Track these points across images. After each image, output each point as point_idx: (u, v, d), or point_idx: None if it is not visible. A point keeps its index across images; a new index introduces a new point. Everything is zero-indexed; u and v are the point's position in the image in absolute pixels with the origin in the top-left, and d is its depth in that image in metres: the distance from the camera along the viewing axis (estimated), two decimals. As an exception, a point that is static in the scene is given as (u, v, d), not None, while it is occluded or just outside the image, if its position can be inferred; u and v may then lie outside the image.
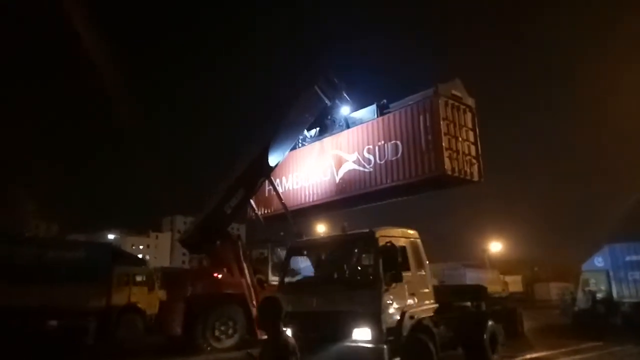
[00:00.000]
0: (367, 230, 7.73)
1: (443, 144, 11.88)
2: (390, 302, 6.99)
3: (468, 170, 12.34)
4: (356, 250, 8.05)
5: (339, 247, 8.44)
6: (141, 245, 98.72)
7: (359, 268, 8.05)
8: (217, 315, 11.72)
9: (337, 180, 14.55)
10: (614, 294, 19.87)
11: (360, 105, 14.84)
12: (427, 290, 8.07)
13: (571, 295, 23.61)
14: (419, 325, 7.37)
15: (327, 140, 15.14)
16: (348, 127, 14.66)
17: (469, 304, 9.97)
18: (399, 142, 12.99)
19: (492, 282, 35.88)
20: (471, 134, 12.58)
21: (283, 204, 13.42)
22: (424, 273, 8.14)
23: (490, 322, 9.60)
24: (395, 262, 7.05)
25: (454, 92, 12.50)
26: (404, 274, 7.29)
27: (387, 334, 6.73)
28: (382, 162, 13.39)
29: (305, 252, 8.92)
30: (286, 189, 15.13)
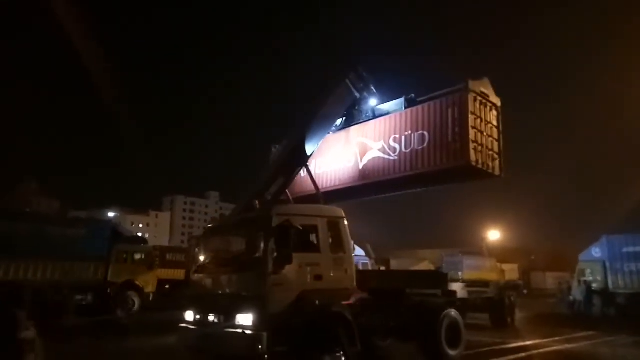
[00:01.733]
0: (265, 208, 7.32)
1: (470, 137, 12.35)
2: (280, 285, 6.45)
3: (490, 164, 12.89)
4: (254, 230, 7.40)
5: (242, 227, 8.04)
6: (141, 223, 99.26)
7: (254, 249, 7.33)
8: None
9: (361, 167, 15.02)
10: (610, 285, 19.98)
11: (386, 98, 15.26)
12: (344, 274, 7.44)
13: (567, 284, 23.78)
14: (326, 312, 6.70)
15: (354, 129, 15.54)
16: (375, 117, 15.15)
17: (438, 292, 9.33)
18: (425, 133, 13.42)
19: (490, 270, 36.04)
20: (495, 130, 13.19)
21: (317, 189, 13.88)
22: (342, 255, 7.52)
23: (451, 313, 8.83)
24: (288, 243, 6.51)
25: (482, 89, 13.06)
26: (310, 255, 6.95)
27: (273, 320, 6.20)
28: (407, 150, 13.84)
29: (218, 234, 8.47)
30: (316, 172, 15.42)
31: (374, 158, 14.73)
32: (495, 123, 13.22)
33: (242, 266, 7.01)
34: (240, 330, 6.22)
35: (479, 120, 12.69)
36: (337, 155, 15.57)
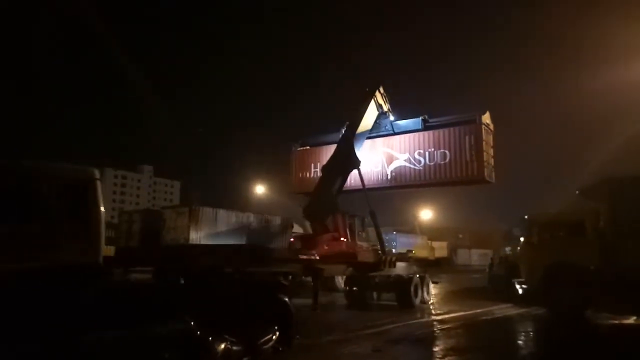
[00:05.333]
0: None
1: (484, 158, 16.86)
2: None
3: (491, 175, 17.13)
4: None
5: None
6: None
7: None
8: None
9: (388, 172, 19.23)
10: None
11: (401, 115, 19.61)
12: (82, 248, 5.76)
13: (490, 261, 25.54)
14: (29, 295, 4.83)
15: (379, 140, 19.43)
16: (393, 130, 19.29)
17: (274, 272, 8.23)
18: (447, 151, 17.81)
19: (421, 247, 37.99)
20: (491, 149, 17.55)
21: (363, 185, 16.79)
22: (79, 225, 5.86)
23: (280, 296, 7.06)
24: None
25: (487, 120, 17.36)
26: (10, 227, 5.25)
27: None
28: (431, 163, 18.19)
29: None
30: None
31: (400, 166, 19.09)
32: (492, 143, 17.58)
33: None
34: None
35: (486, 145, 17.06)
36: (363, 160, 17.99)
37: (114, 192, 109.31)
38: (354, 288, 14.09)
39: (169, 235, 21.09)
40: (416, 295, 14.11)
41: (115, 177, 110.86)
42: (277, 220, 25.93)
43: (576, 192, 13.02)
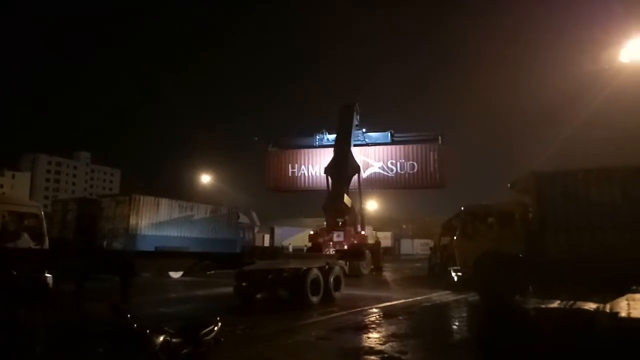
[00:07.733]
0: None
1: (444, 171, 23.17)
2: None
3: (444, 182, 23.40)
4: None
5: None
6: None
7: None
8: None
9: (364, 177, 22.82)
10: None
11: (370, 127, 25.59)
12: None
13: (430, 250, 26.53)
14: None
15: (356, 149, 22.97)
16: (365, 141, 24.61)
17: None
18: (415, 163, 23.92)
19: (367, 237, 38.74)
20: (444, 162, 24.06)
21: (359, 186, 20.87)
22: None
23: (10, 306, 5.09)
24: None
25: (441, 142, 23.94)
26: None
27: None
28: (402, 172, 24.06)
29: None
30: (315, 174, 23.93)
31: (374, 172, 23.98)
32: (445, 157, 23.51)
33: None
34: None
35: (444, 159, 23.18)
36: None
37: (47, 180, 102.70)
38: (243, 284, 11.51)
39: (108, 225, 20.18)
40: (317, 292, 11.47)
41: (49, 163, 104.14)
42: (223, 211, 25.55)
43: (507, 185, 13.73)
